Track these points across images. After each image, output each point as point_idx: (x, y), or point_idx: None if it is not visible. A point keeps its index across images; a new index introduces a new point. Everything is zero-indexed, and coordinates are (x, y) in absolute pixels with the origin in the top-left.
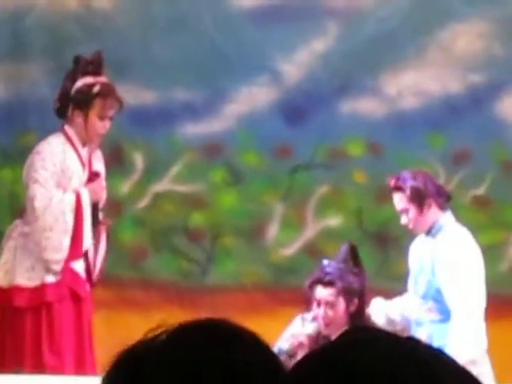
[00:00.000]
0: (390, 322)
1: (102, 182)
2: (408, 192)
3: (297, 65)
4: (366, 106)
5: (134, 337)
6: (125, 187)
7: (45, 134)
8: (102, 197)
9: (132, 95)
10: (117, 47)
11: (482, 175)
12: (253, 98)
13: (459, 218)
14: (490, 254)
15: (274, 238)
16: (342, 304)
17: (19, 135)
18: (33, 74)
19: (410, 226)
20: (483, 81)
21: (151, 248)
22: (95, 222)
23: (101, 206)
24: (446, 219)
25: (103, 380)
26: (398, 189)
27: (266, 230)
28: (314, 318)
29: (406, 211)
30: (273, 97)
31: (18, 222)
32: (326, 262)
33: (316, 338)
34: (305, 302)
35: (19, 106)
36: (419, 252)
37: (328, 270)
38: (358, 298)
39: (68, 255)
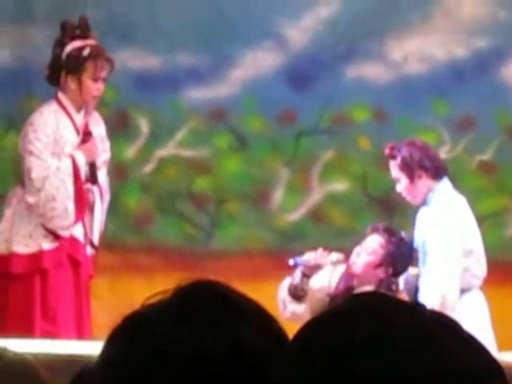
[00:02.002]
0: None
1: (94, 141)
2: (399, 161)
3: (302, 30)
4: (371, 72)
5: (137, 302)
6: (130, 152)
7: (48, 99)
8: (97, 156)
9: (137, 60)
10: (121, 12)
11: (488, 141)
12: (258, 63)
13: (464, 183)
14: (495, 219)
15: (278, 203)
16: (377, 259)
17: (23, 100)
18: (37, 40)
19: (403, 194)
20: (488, 46)
21: (156, 213)
22: (94, 182)
23: (98, 164)
24: (440, 188)
25: (107, 344)
26: (393, 157)
27: (270, 196)
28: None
29: (398, 180)
30: (278, 62)
31: (17, 188)
32: (403, 233)
33: (337, 265)
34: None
35: (23, 72)
36: (417, 222)
37: (398, 233)
38: (393, 272)
39: (74, 219)
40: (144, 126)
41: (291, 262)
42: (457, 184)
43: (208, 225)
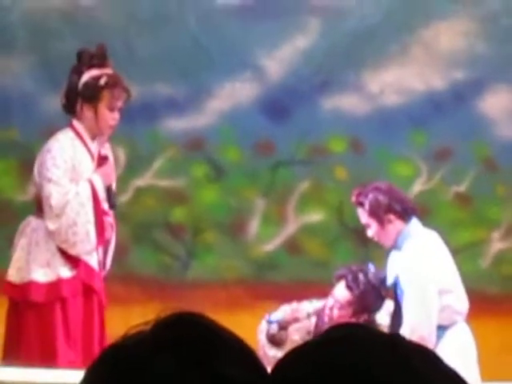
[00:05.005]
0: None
1: (111, 165)
2: (367, 207)
3: (279, 61)
4: (348, 103)
5: (114, 331)
6: None
7: (27, 129)
8: (114, 179)
9: None
10: (99, 42)
11: (464, 172)
12: (235, 93)
13: (440, 215)
14: (471, 250)
15: (254, 233)
16: (349, 312)
17: (1, 130)
18: (16, 69)
19: (376, 239)
20: (465, 78)
21: (132, 243)
22: (111, 206)
23: (114, 189)
24: (409, 229)
25: (86, 375)
26: (360, 204)
27: (246, 226)
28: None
29: (368, 226)
30: (255, 93)
31: (30, 218)
32: (371, 266)
33: (312, 317)
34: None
35: (2, 101)
36: (389, 265)
37: (360, 277)
38: (368, 316)
39: (96, 243)
40: (121, 155)
41: (267, 318)
42: (432, 215)
43: (184, 255)
